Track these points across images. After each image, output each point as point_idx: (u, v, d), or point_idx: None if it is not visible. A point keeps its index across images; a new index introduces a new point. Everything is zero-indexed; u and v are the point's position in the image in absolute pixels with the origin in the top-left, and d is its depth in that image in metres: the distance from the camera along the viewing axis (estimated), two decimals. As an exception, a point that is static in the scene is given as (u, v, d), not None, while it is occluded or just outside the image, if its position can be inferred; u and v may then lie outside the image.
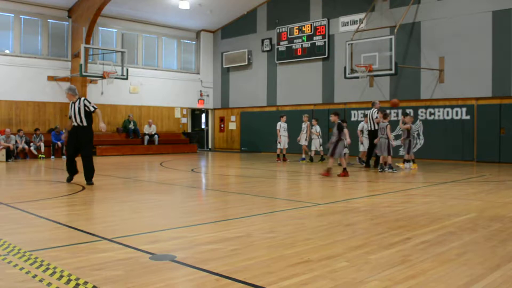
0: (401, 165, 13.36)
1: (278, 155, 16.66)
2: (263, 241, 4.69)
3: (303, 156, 16.59)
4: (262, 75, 22.68)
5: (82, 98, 9.35)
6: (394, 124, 16.14)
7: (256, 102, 22.90)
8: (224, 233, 5.05)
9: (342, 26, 19.65)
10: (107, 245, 4.52)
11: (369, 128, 13.59)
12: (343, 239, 4.79)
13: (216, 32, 24.89)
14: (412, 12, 17.36)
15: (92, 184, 9.24)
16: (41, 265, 3.79)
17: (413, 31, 17.50)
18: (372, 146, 13.49)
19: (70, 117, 9.35)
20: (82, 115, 9.21)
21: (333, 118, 11.41)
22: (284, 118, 16.67)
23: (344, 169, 11.26)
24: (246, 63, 22.99)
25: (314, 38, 20.43)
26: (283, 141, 16.51)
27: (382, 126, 12.55)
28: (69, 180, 9.70)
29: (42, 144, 17.79)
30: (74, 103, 9.29)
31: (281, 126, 16.39)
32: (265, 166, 14.40)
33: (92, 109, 9.26)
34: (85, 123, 9.26)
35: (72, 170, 9.63)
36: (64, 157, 18.08)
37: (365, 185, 9.99)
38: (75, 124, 9.28)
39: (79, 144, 9.30)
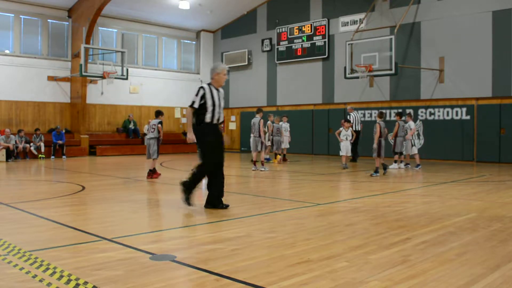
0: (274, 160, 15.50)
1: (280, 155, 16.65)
2: (263, 241, 4.69)
3: (268, 156, 16.46)
4: (262, 75, 22.67)
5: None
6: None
7: (256, 102, 22.87)
8: (224, 233, 5.05)
9: (342, 26, 19.64)
10: (107, 245, 4.52)
11: (356, 129, 15.90)
12: (343, 239, 4.79)
13: (216, 32, 24.88)
14: (412, 12, 17.35)
15: (228, 206, 6.62)
16: (41, 265, 3.79)
17: (413, 31, 17.49)
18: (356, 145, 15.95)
19: (212, 111, 6.58)
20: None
21: (160, 118, 11.49)
22: (285, 118, 16.75)
23: (153, 169, 10.99)
24: (246, 63, 22.97)
25: (314, 38, 20.41)
26: (284, 141, 16.51)
27: (407, 127, 13.51)
28: (191, 201, 6.67)
29: (42, 144, 17.77)
30: (218, 90, 6.69)
31: (282, 127, 16.39)
32: (265, 166, 14.37)
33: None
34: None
35: (195, 183, 6.76)
36: (65, 157, 18.08)
37: (365, 185, 9.98)
38: (215, 121, 6.61)
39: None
